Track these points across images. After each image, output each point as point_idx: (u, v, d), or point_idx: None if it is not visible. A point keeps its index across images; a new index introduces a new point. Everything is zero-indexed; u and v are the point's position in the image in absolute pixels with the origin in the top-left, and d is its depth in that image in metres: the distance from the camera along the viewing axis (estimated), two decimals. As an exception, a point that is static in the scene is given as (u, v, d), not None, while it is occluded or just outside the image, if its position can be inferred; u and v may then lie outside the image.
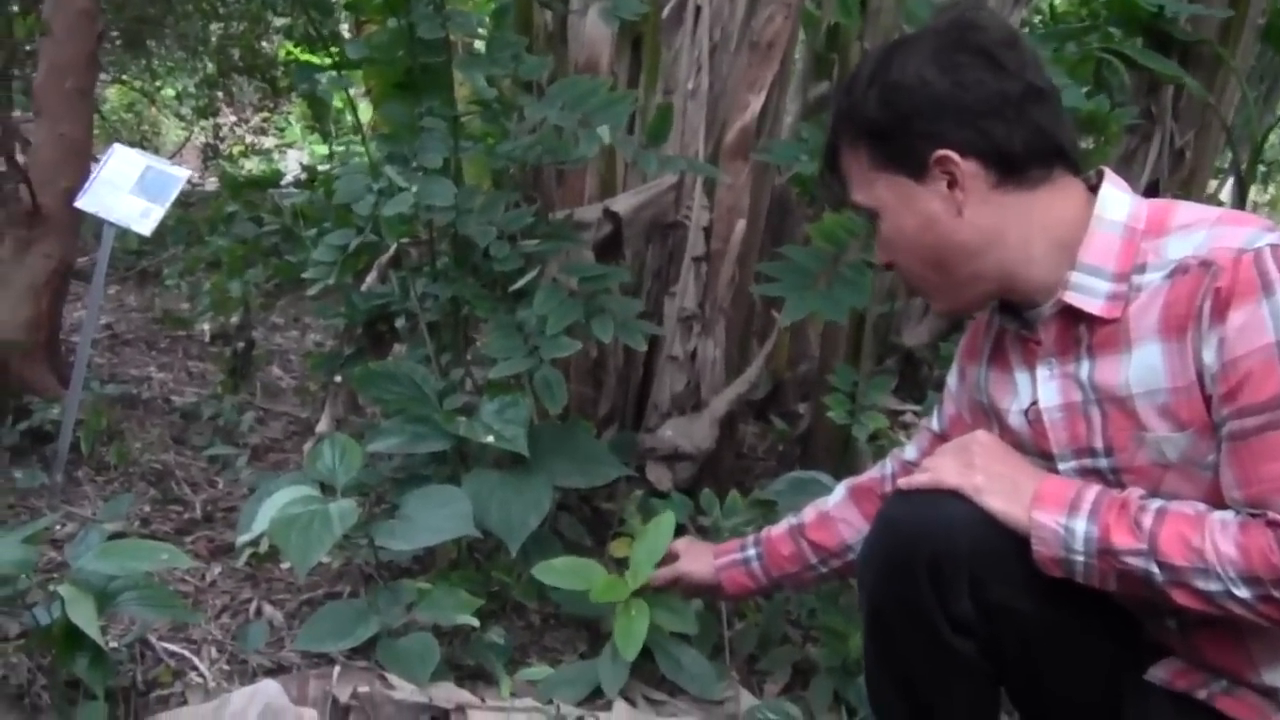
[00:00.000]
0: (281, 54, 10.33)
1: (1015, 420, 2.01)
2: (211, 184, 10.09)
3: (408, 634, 2.82)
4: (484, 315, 3.23)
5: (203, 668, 2.82)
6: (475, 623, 2.74)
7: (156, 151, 11.78)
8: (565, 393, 3.07)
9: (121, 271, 7.18)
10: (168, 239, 7.41)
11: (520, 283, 3.16)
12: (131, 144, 11.29)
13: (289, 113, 12.44)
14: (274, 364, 5.71)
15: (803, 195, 5.26)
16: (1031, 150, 1.85)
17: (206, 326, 5.79)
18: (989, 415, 2.11)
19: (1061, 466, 1.93)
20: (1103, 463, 1.88)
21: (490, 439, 2.95)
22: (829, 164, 2.04)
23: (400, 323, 3.69)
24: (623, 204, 3.58)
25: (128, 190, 3.85)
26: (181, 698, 2.70)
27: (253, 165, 11.59)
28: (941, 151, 1.85)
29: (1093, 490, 1.82)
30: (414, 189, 2.90)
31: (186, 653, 2.87)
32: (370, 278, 3.72)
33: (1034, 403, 1.95)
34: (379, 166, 3.04)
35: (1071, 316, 1.87)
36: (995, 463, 1.92)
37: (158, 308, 6.35)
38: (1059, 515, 1.81)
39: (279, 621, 3.08)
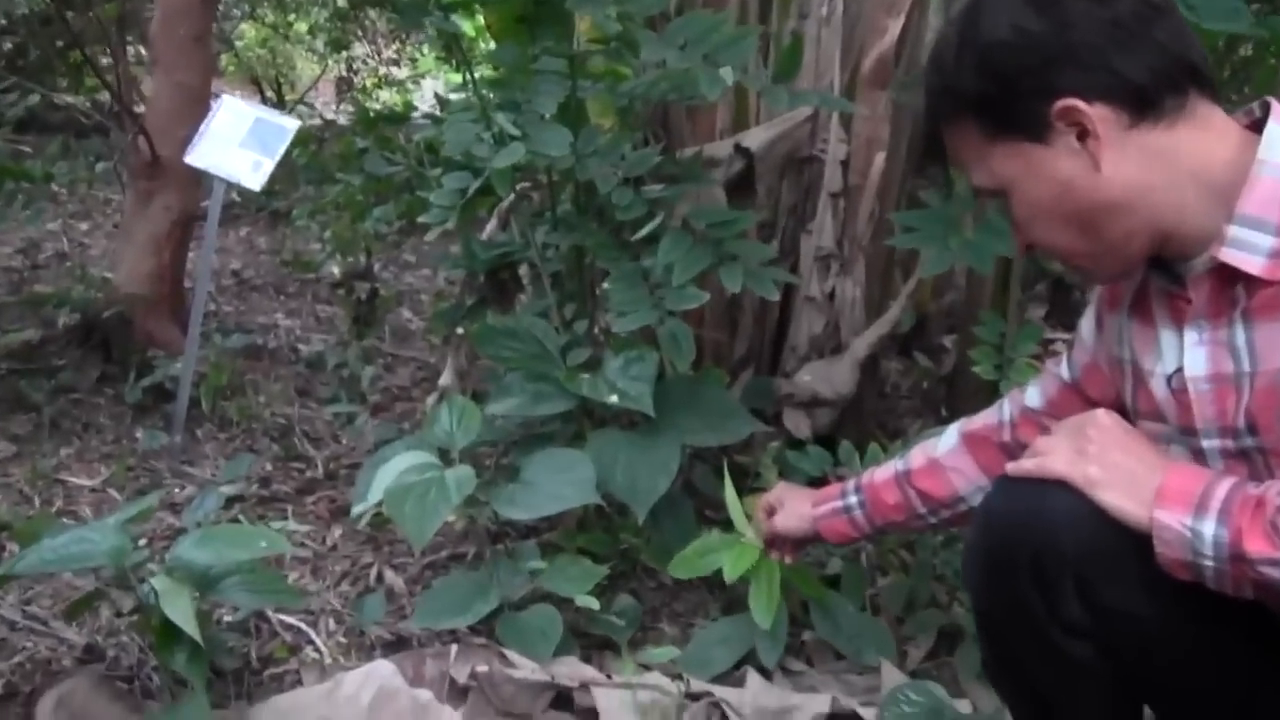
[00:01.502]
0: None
1: (1158, 385, 1.76)
2: (346, 120, 10.00)
3: (530, 606, 2.70)
4: (607, 264, 3.06)
5: (319, 642, 2.73)
6: (595, 604, 2.59)
7: (292, 87, 11.81)
8: (693, 347, 2.90)
9: (253, 213, 7.13)
10: (299, 178, 7.35)
11: (646, 229, 2.99)
12: (266, 81, 11.33)
13: (423, 42, 12.31)
14: (404, 305, 5.61)
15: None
16: (1161, 76, 1.59)
17: (335, 269, 5.69)
18: (1128, 372, 1.86)
19: (1205, 445, 1.69)
20: (1248, 442, 1.63)
21: (614, 399, 2.80)
22: (933, 154, 1.84)
23: (523, 271, 3.55)
24: (755, 138, 3.41)
25: (237, 143, 3.73)
26: (296, 676, 2.60)
27: (387, 97, 11.51)
28: (1063, 102, 1.60)
29: (1224, 485, 1.58)
30: (526, 138, 2.73)
31: (303, 625, 2.79)
32: (491, 224, 3.56)
33: (1179, 370, 1.71)
34: (490, 112, 2.87)
35: (1227, 276, 1.60)
36: (1114, 450, 1.69)
37: (288, 250, 6.28)
38: (1184, 515, 1.57)
39: (400, 588, 2.98)
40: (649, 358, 2.88)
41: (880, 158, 3.58)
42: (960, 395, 3.79)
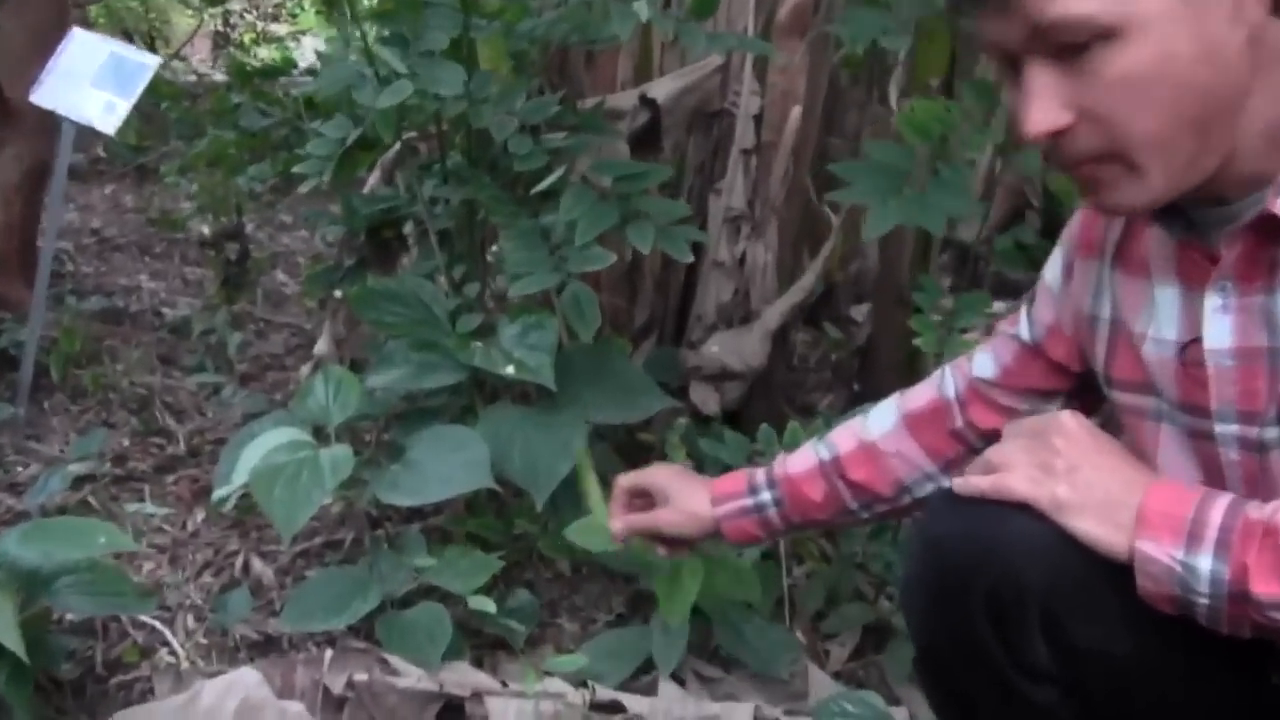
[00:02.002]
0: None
1: (1153, 352, 1.44)
2: (222, 76, 9.61)
3: (415, 604, 2.41)
4: (502, 221, 2.77)
5: (175, 643, 2.44)
6: (491, 607, 2.31)
7: (166, 42, 11.39)
8: (598, 314, 2.64)
9: (119, 169, 6.76)
10: (170, 133, 7.01)
11: (545, 183, 2.72)
12: (138, 34, 10.91)
13: (303, -2, 11.93)
14: (279, 268, 5.29)
15: (857, 81, 4.83)
16: None
17: (205, 229, 5.35)
18: (1101, 334, 1.54)
19: (1219, 430, 1.37)
20: (1271, 433, 1.33)
21: (511, 370, 2.52)
22: None
23: (408, 229, 3.28)
24: (662, 90, 3.17)
25: (89, 81, 3.37)
26: (148, 684, 2.30)
27: (266, 54, 11.12)
28: None
29: (1218, 507, 1.27)
30: (415, 75, 2.43)
31: (158, 624, 2.49)
32: (374, 177, 3.27)
33: (1194, 340, 1.38)
34: (374, 47, 2.56)
35: (1270, 233, 1.27)
36: (1085, 464, 1.36)
37: (155, 208, 5.93)
38: (1173, 546, 1.27)
39: (269, 580, 2.70)
40: (549, 325, 2.60)
41: (796, 112, 3.34)
42: (874, 369, 3.59)
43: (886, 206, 2.10)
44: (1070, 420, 1.40)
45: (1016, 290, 4.70)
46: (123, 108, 3.37)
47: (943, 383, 1.83)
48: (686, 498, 1.94)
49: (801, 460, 1.89)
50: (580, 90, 3.27)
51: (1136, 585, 1.30)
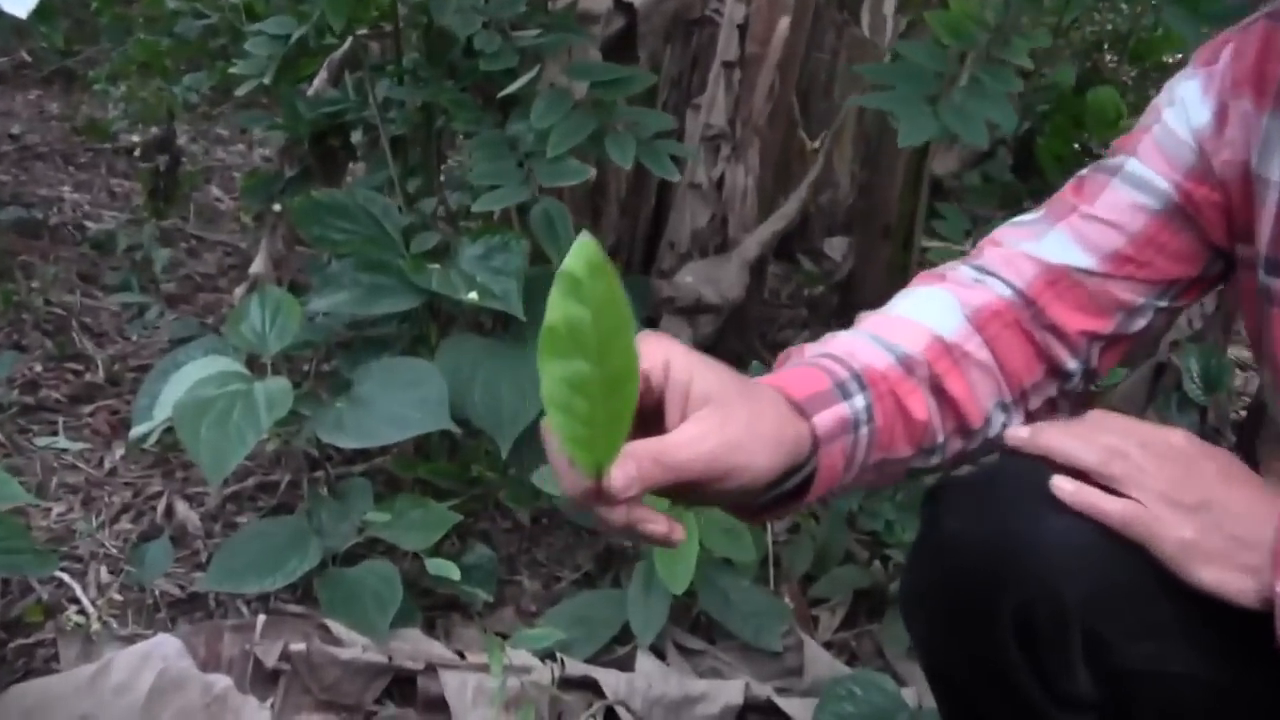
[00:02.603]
0: None
1: None
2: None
3: (361, 562, 2.13)
4: (465, 128, 2.50)
5: (86, 600, 2.17)
6: (455, 573, 2.02)
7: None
8: (572, 232, 2.34)
9: (44, 74, 6.41)
10: (101, 36, 6.65)
11: (514, 86, 2.43)
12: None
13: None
14: (213, 183, 4.96)
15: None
16: None
17: (135, 138, 5.03)
18: (1272, 200, 1.21)
19: None
20: None
21: (473, 296, 2.23)
22: None
23: (357, 137, 2.99)
24: None
25: (-1, -42, 3.05)
26: (52, 650, 2.02)
27: (205, -39, 10.76)
28: None
29: None
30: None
31: (67, 578, 2.20)
32: (320, 79, 2.98)
33: None
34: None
35: None
36: (1214, 499, 1.08)
37: (81, 116, 5.59)
38: None
39: (194, 526, 2.43)
40: (515, 246, 2.32)
41: (784, 23, 3.12)
42: (855, 306, 3.30)
43: (920, 114, 1.81)
44: (1184, 441, 1.12)
45: (989, 225, 4.50)
46: (37, -12, 3.05)
47: (983, 279, 1.34)
48: (758, 412, 1.09)
49: (884, 359, 1.23)
50: (549, -8, 3.01)
51: (1276, 635, 1.03)
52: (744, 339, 3.26)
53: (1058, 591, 1.08)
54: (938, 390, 1.24)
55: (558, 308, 0.83)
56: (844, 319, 3.32)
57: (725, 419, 1.03)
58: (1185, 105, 1.28)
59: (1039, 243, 1.32)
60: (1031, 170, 5.29)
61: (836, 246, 4.01)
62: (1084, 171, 1.36)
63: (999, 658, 1.14)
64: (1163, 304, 1.31)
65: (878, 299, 3.13)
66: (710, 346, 3.07)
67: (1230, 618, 1.07)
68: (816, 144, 3.73)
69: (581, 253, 0.84)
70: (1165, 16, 1.95)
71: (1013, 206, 5.24)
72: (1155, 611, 1.11)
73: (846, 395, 1.15)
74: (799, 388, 1.13)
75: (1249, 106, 1.23)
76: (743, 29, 3.06)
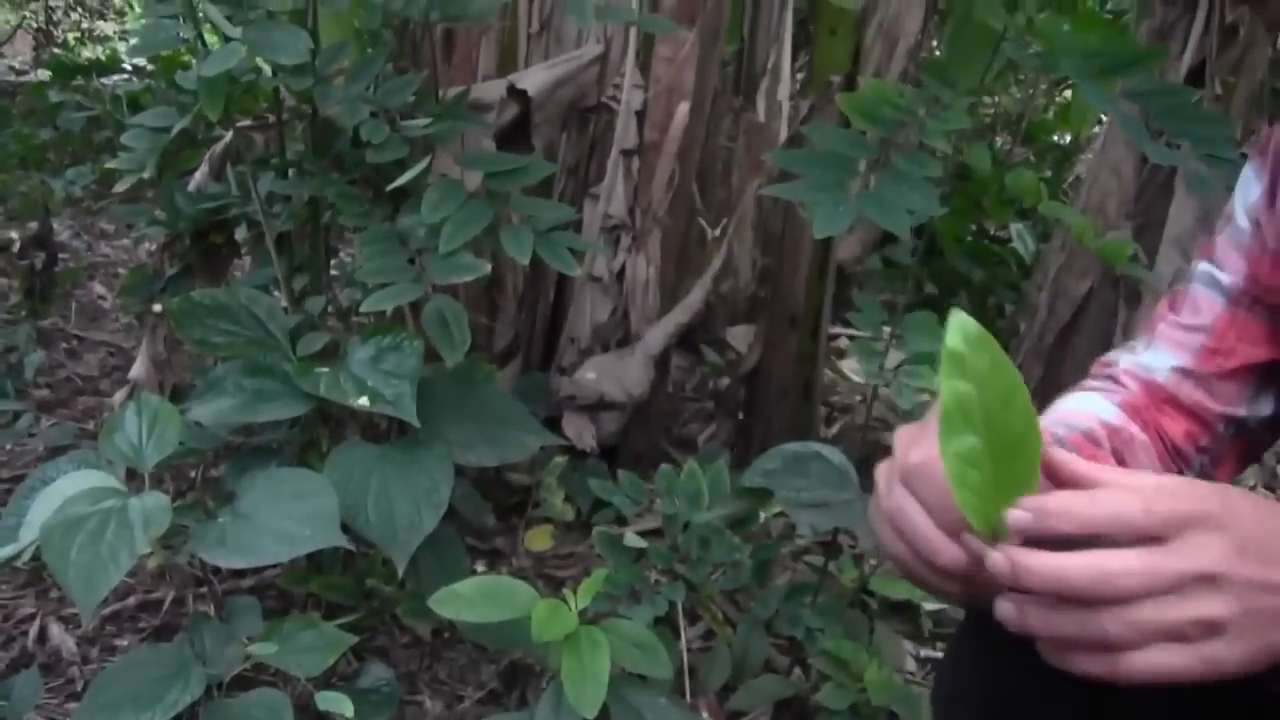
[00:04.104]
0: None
1: None
2: (45, 75, 9.10)
3: (249, 689, 1.97)
4: (353, 223, 2.38)
5: (-54, 737, 1.98)
6: (348, 709, 1.87)
7: (-15, 40, 10.87)
8: (467, 332, 2.22)
9: (-81, 169, 6.25)
10: (-19, 131, 6.51)
11: (404, 178, 2.31)
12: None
13: (131, -10, 11.44)
14: (96, 279, 4.81)
15: (723, 83, 4.55)
16: None
17: (14, 234, 4.87)
18: None
19: None
20: None
21: (364, 401, 2.10)
22: None
23: (241, 233, 2.87)
24: (533, 80, 2.88)
25: None
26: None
27: (91, 53, 10.60)
28: None
29: None
30: (248, 40, 2.01)
31: (-74, 712, 2.04)
32: (201, 172, 2.85)
33: None
34: (200, 5, 2.14)
35: None
36: (1260, 590, 0.86)
37: (-41, 212, 5.42)
38: None
39: (70, 651, 2.30)
40: (409, 347, 2.19)
41: (683, 109, 3.09)
42: (763, 397, 3.28)
43: (835, 204, 1.71)
44: (1247, 505, 0.90)
45: (890, 310, 4.44)
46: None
47: (1104, 388, 1.37)
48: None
49: (1061, 431, 1.27)
50: (440, 82, 2.89)
51: None
52: (649, 435, 3.19)
53: None
54: (1120, 462, 1.25)
55: (946, 387, 0.87)
56: (751, 411, 3.26)
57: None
58: (1242, 190, 1.30)
59: (1138, 356, 1.35)
60: (932, 252, 5.26)
61: (740, 336, 3.92)
62: (1175, 287, 1.38)
63: None
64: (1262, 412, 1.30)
65: (784, 389, 3.07)
66: (615, 445, 2.98)
67: None
68: (717, 232, 3.66)
69: (959, 329, 0.88)
70: (1083, 92, 1.89)
71: (916, 290, 5.21)
72: None
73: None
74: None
75: None
76: (641, 115, 3.02)
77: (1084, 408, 1.31)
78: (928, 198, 1.72)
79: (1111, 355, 1.39)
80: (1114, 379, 1.35)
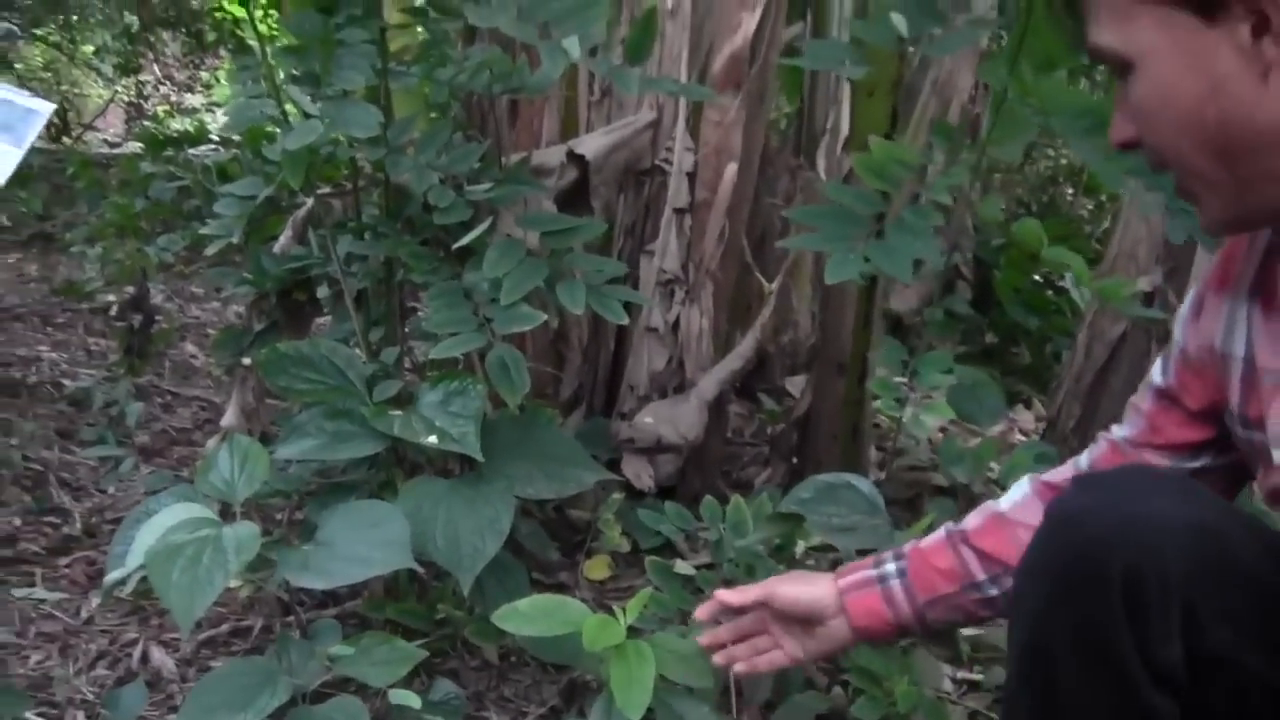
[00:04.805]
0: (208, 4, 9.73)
1: None
2: (135, 147, 9.40)
3: (329, 699, 2.18)
4: (422, 279, 2.58)
5: (63, 743, 2.19)
6: (415, 702, 2.08)
7: (78, 114, 11.17)
8: (526, 378, 2.43)
9: (23, 239, 6.53)
10: (78, 201, 6.79)
11: (468, 238, 2.52)
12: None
13: (218, 69, 11.73)
14: (188, 340, 5.06)
15: (782, 144, 4.73)
16: None
17: (112, 298, 5.12)
18: (1236, 371, 1.44)
19: None
20: None
21: (433, 439, 2.31)
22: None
23: (322, 291, 3.06)
24: (590, 145, 3.04)
25: (-22, 131, 3.16)
26: (29, 791, 2.06)
27: (180, 125, 10.91)
28: None
29: None
30: (326, 116, 2.24)
31: (44, 721, 2.25)
32: (285, 236, 3.06)
33: None
34: (282, 85, 2.37)
35: None
36: None
37: (59, 278, 5.68)
38: None
39: (169, 671, 2.48)
40: (473, 390, 2.40)
41: (731, 169, 3.24)
42: (814, 441, 3.42)
43: (847, 253, 1.92)
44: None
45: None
46: (14, 157, 3.16)
47: (1078, 459, 1.79)
48: (805, 579, 1.90)
49: (931, 536, 1.83)
50: (504, 148, 3.10)
51: None
52: (706, 476, 3.31)
53: (1164, 560, 1.24)
54: (968, 544, 1.76)
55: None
56: (804, 455, 3.41)
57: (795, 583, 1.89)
58: (1181, 310, 1.57)
59: (1113, 427, 1.73)
60: (990, 303, 5.41)
61: (797, 384, 4.08)
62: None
63: (1105, 623, 1.28)
64: (1196, 463, 1.62)
65: (834, 433, 3.22)
66: (672, 486, 3.15)
67: None
68: (773, 285, 3.83)
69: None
70: (1077, 151, 2.07)
71: (974, 339, 5.36)
72: (1239, 600, 1.26)
73: (878, 564, 1.83)
74: (845, 570, 1.87)
75: (1216, 298, 1.47)
76: (692, 176, 3.16)
77: (1009, 494, 1.79)
78: (931, 248, 1.91)
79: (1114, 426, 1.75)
80: (1083, 454, 1.77)
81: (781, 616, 1.88)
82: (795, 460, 3.52)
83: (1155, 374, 1.63)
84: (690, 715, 2.18)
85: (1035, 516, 1.57)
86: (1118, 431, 1.70)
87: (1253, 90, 1.21)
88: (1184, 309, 1.56)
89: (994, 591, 1.74)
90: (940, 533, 1.81)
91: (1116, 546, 1.27)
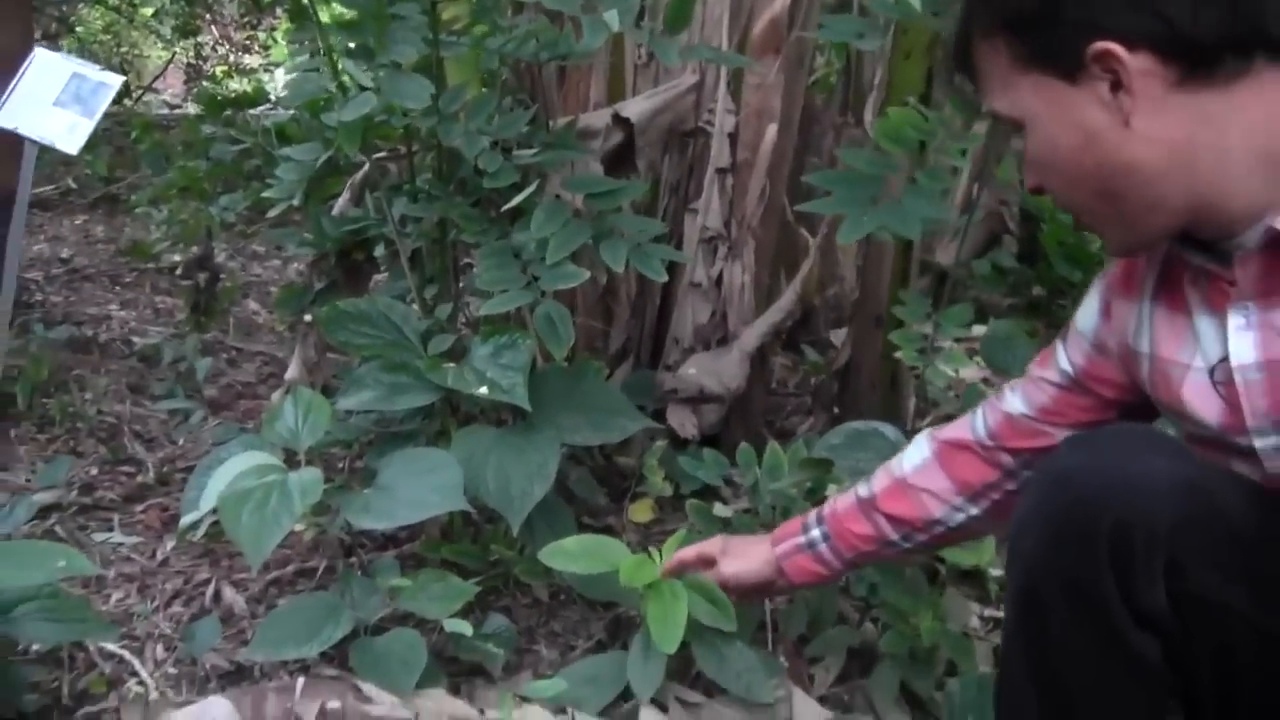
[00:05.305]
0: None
1: (1194, 381, 1.51)
2: (194, 109, 9.56)
3: (388, 630, 2.34)
4: (473, 239, 2.73)
5: (144, 673, 2.37)
6: (468, 630, 2.24)
7: (138, 75, 11.32)
8: (571, 332, 2.57)
9: (90, 201, 6.69)
10: (141, 163, 6.95)
11: (516, 200, 2.65)
12: (111, 68, 10.87)
13: (275, 29, 11.86)
14: (251, 297, 5.21)
15: (829, 101, 4.81)
16: (1224, 37, 1.35)
17: (176, 258, 5.29)
18: (1145, 366, 1.61)
19: (1259, 444, 1.44)
20: None
21: (484, 390, 2.46)
22: (960, 61, 1.59)
23: (379, 250, 3.20)
24: (635, 109, 3.12)
25: (51, 102, 3.32)
26: (115, 716, 2.23)
27: (238, 86, 11.07)
28: (1101, 45, 1.37)
29: None
30: (380, 88, 2.38)
31: (127, 654, 2.41)
32: (343, 198, 3.21)
33: (1223, 359, 1.46)
34: (338, 60, 2.51)
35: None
36: None
37: (125, 238, 5.86)
38: None
39: (240, 609, 2.63)
40: (522, 344, 2.55)
41: (771, 130, 3.33)
42: (854, 391, 3.52)
43: (861, 214, 2.06)
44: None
45: (997, 313, 4.66)
46: (85, 128, 3.32)
47: (974, 420, 1.95)
48: (748, 546, 2.21)
49: (845, 499, 2.08)
50: (552, 110, 3.21)
51: None
52: (749, 425, 3.39)
53: (1153, 513, 1.40)
54: (879, 511, 2.00)
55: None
56: (844, 404, 3.52)
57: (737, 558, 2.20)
58: (1085, 308, 1.76)
59: (1006, 394, 1.91)
60: (1036, 256, 5.49)
61: (840, 337, 4.17)
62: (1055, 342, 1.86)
63: (1092, 571, 1.44)
64: None
65: (873, 384, 3.32)
66: (716, 434, 3.26)
67: None
68: (815, 241, 3.92)
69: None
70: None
71: (1021, 292, 5.43)
72: (1225, 551, 1.41)
73: (806, 530, 2.10)
74: (778, 531, 2.17)
75: (1122, 300, 1.65)
76: (733, 137, 3.24)
77: (909, 454, 2.03)
78: (940, 209, 2.05)
79: (1003, 390, 1.94)
80: (976, 416, 1.95)
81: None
82: (836, 410, 3.62)
83: (1061, 362, 1.81)
84: (726, 650, 2.32)
85: (936, 482, 1.93)
86: (1013, 404, 1.88)
87: (1119, 136, 1.41)
88: (1088, 314, 1.76)
89: (908, 545, 2.02)
90: (851, 497, 2.07)
91: (1105, 503, 1.42)
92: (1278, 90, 1.37)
